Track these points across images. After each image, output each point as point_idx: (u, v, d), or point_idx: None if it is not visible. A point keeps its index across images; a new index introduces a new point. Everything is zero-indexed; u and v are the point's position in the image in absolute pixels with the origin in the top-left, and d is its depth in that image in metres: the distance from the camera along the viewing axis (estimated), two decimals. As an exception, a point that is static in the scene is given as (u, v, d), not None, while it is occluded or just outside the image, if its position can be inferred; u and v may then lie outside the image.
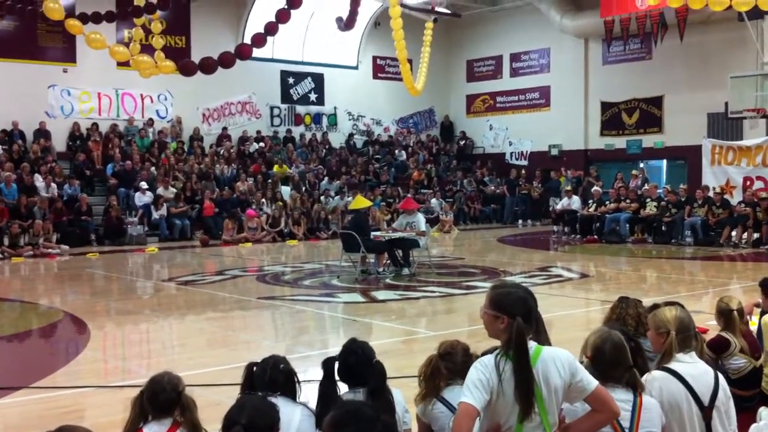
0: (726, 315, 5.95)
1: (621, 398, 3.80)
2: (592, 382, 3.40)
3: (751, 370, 5.90)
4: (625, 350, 3.88)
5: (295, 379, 4.12)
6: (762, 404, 5.49)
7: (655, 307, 5.34)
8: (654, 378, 4.05)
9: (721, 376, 4.20)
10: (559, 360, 3.37)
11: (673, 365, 4.15)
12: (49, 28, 23.54)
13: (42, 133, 23.62)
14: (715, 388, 4.10)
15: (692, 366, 4.16)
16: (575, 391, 3.38)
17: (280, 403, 3.73)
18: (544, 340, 3.60)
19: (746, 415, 5.18)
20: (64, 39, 23.51)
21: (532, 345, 3.39)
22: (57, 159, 23.34)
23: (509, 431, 3.33)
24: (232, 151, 26.63)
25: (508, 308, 3.38)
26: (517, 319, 3.32)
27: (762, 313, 6.23)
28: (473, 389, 3.28)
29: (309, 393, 4.16)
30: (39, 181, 21.68)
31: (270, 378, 4.04)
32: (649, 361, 4.37)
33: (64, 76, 24.28)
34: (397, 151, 30.59)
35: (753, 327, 6.49)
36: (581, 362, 3.78)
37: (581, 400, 3.47)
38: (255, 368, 4.15)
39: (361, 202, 16.37)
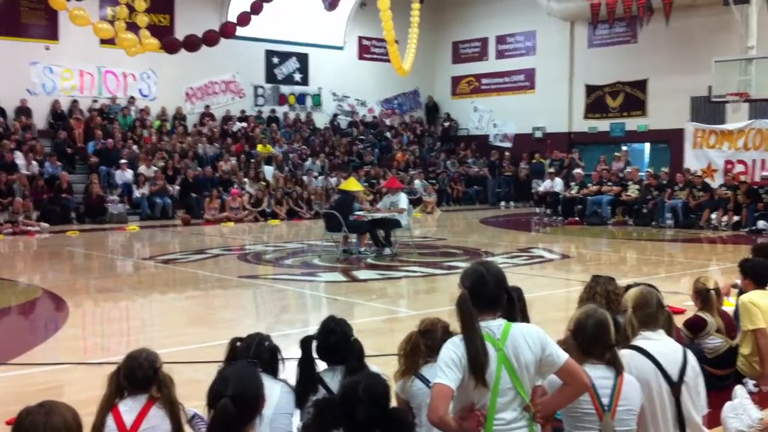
0: (703, 295, 6.00)
1: (602, 375, 3.84)
2: (562, 356, 3.43)
3: (727, 349, 5.96)
4: (607, 329, 3.91)
5: (279, 357, 4.15)
6: (737, 383, 5.56)
7: (628, 288, 5.40)
8: (622, 356, 4.08)
9: (689, 353, 4.25)
10: (529, 335, 3.41)
11: (640, 342, 4.21)
12: (31, 5, 23.31)
13: (23, 111, 23.37)
14: (684, 365, 4.15)
15: (660, 343, 4.22)
16: (546, 365, 3.41)
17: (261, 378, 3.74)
18: (520, 318, 3.62)
19: (721, 393, 5.25)
20: (46, 16, 23.25)
21: (501, 322, 3.43)
22: (38, 137, 23.12)
23: (483, 409, 3.33)
24: (215, 130, 26.47)
25: (462, 281, 3.52)
26: (462, 290, 3.43)
27: (739, 294, 6.28)
28: (446, 369, 3.28)
29: (288, 371, 4.18)
30: (20, 158, 21.47)
31: (254, 354, 4.06)
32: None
33: (46, 53, 23.98)
34: (381, 132, 30.52)
35: (729, 308, 6.54)
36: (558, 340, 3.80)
37: (552, 373, 3.50)
38: (239, 343, 4.17)
39: (352, 184, 16.33)
